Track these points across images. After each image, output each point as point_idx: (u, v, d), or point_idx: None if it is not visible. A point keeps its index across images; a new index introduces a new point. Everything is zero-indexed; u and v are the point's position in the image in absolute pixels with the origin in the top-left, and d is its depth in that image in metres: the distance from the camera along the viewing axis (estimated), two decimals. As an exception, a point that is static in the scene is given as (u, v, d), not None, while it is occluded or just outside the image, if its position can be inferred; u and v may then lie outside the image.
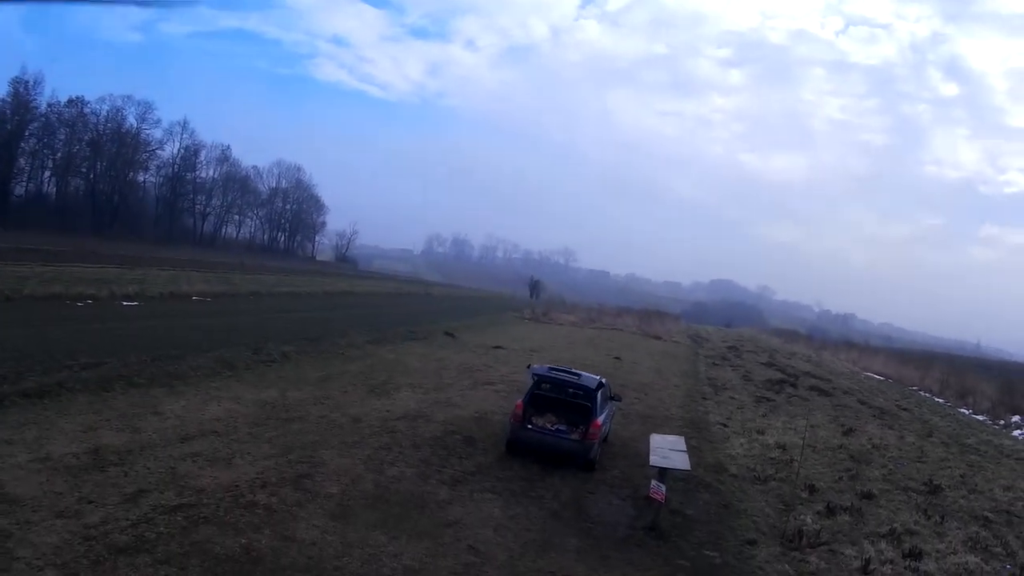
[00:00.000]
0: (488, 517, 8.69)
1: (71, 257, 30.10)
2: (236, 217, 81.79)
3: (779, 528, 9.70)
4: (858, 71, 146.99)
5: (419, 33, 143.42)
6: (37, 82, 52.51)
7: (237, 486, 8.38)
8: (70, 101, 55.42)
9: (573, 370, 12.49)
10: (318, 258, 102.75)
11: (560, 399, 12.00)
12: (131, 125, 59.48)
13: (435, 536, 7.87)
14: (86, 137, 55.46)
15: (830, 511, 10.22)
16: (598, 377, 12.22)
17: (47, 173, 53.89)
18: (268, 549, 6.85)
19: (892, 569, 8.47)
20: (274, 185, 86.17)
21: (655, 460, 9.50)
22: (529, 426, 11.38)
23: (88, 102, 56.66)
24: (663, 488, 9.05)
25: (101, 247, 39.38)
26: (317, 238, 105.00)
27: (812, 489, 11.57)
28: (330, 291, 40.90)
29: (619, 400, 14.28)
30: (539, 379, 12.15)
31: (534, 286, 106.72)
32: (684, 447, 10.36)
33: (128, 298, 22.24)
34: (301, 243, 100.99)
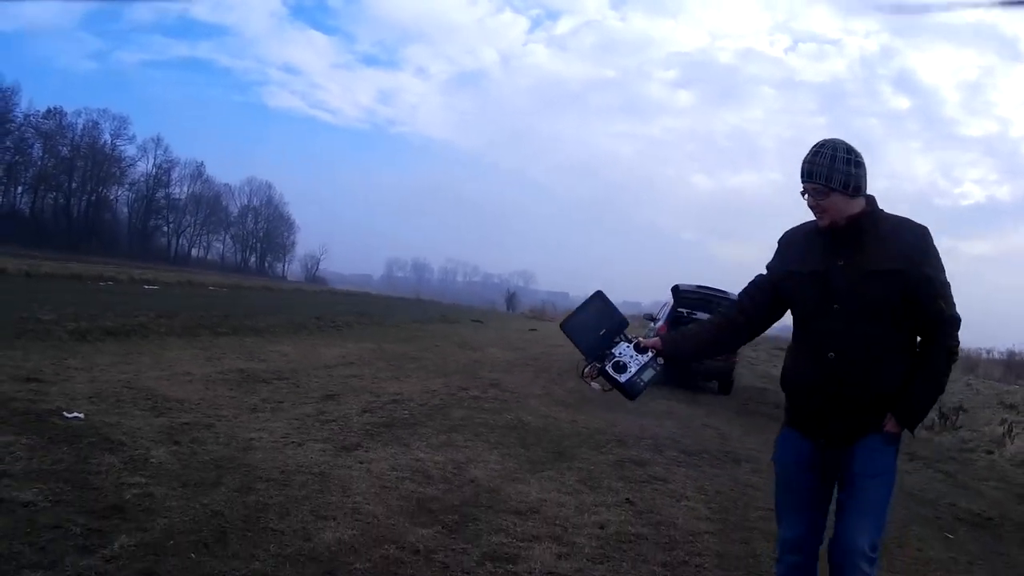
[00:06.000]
0: (693, 413, 8.33)
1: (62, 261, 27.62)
2: (207, 237, 78.40)
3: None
4: (807, 88, 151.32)
5: (370, 61, 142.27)
6: (14, 92, 49.26)
7: (434, 391, 6.99)
8: (48, 112, 51.92)
9: (718, 287, 11.61)
10: (289, 279, 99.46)
11: (696, 320, 11.55)
12: (106, 140, 56.54)
13: (670, 417, 7.52)
14: (63, 151, 52.23)
15: (943, 415, 10.83)
16: None
17: (19, 188, 50.70)
18: (539, 422, 5.94)
19: (1025, 430, 9.18)
20: (246, 202, 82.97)
21: None
22: None
23: (66, 114, 53.52)
24: None
25: (83, 260, 36.62)
26: (288, 258, 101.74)
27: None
28: (335, 292, 39.06)
29: None
30: (682, 297, 11.23)
31: (510, 298, 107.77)
32: None
33: (148, 282, 20.22)
34: (271, 264, 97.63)
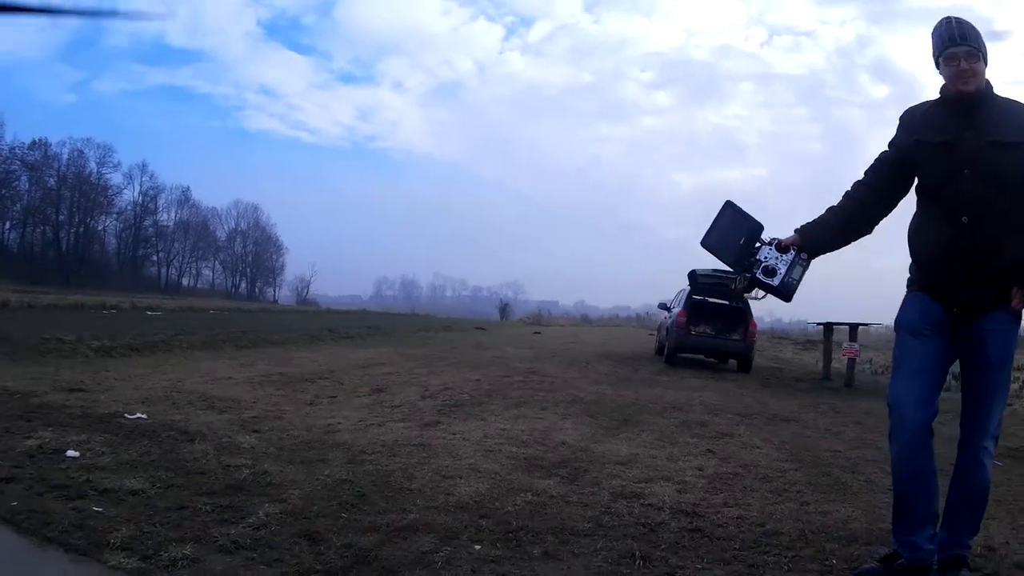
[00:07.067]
0: (726, 386, 8.48)
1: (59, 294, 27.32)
2: (196, 264, 77.73)
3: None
4: (786, 81, 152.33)
5: (346, 78, 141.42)
6: (-2, 125, 48.98)
7: (478, 380, 7.15)
8: (34, 143, 51.52)
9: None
10: (281, 302, 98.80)
11: (712, 304, 11.97)
12: (91, 169, 55.99)
13: (707, 389, 7.74)
14: (50, 182, 51.87)
15: (956, 377, 11.32)
16: None
17: (7, 224, 50.14)
18: (592, 396, 6.21)
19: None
20: (233, 226, 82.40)
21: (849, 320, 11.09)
22: (692, 332, 11.18)
23: (50, 144, 53.01)
24: (856, 347, 10.38)
25: (76, 293, 36.24)
26: (279, 279, 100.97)
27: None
28: (332, 310, 38.98)
29: None
30: (699, 282, 11.46)
31: (504, 309, 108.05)
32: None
33: (150, 309, 20.08)
34: (262, 289, 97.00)
